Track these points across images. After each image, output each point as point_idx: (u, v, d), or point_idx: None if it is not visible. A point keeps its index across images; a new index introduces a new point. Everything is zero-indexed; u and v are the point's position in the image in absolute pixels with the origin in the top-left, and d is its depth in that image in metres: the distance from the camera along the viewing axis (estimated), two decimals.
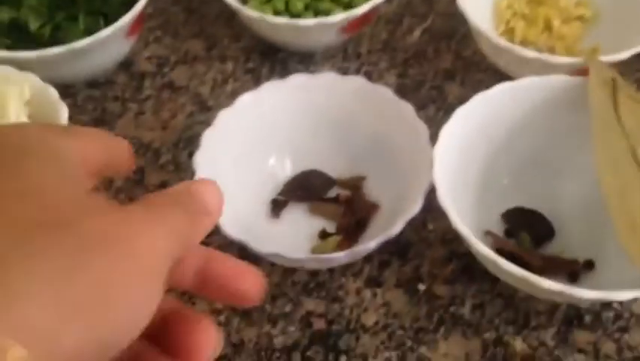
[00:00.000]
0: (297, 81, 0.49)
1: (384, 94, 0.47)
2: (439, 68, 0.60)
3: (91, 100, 0.58)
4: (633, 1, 0.55)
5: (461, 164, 0.46)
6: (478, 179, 0.48)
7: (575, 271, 0.45)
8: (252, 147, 0.49)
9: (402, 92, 0.57)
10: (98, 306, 0.18)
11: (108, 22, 0.54)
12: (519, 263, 0.45)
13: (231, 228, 0.41)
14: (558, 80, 0.47)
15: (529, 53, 0.50)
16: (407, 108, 0.46)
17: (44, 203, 0.20)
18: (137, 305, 0.20)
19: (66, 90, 0.57)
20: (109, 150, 0.24)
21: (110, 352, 0.19)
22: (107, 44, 0.54)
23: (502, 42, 0.51)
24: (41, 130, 0.22)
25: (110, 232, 0.19)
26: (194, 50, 0.63)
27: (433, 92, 0.58)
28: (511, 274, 0.39)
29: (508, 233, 0.48)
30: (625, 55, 0.49)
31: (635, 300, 0.44)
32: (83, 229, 0.19)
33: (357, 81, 0.49)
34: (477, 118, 0.46)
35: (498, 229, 0.48)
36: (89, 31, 0.53)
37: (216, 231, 0.42)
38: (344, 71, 0.60)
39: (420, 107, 0.56)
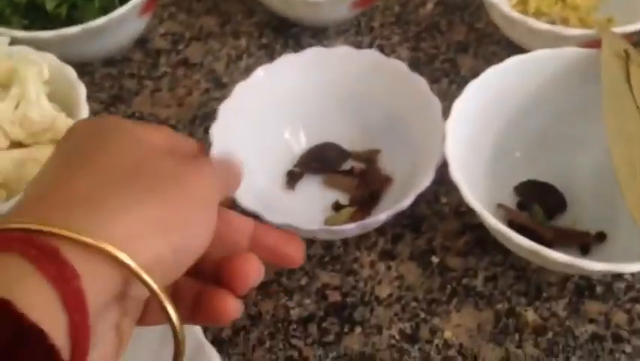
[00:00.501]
0: (312, 55, 0.49)
1: (398, 67, 0.48)
2: (452, 40, 0.60)
3: (108, 78, 0.59)
4: None
5: (474, 137, 0.46)
6: (490, 152, 0.49)
7: (586, 243, 0.46)
8: (267, 120, 0.50)
9: (415, 65, 0.58)
10: (171, 223, 0.25)
11: (123, 0, 0.55)
12: (531, 236, 0.45)
13: (246, 199, 0.42)
14: (570, 53, 0.47)
15: (541, 25, 0.50)
16: (420, 82, 0.47)
17: (123, 154, 0.26)
18: (199, 224, 0.26)
19: (83, 68, 0.58)
20: (171, 138, 0.30)
21: (182, 262, 0.26)
22: (122, 23, 0.54)
23: (514, 14, 0.51)
24: (119, 118, 0.30)
25: (176, 171, 0.26)
26: (208, 26, 0.63)
27: (446, 65, 0.58)
28: (522, 246, 0.39)
29: (521, 206, 0.48)
30: (639, 26, 0.49)
31: None
32: (156, 168, 0.26)
33: (372, 55, 0.49)
34: (489, 91, 0.47)
35: (511, 201, 0.48)
36: (105, 10, 0.54)
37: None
38: (357, 45, 0.60)
39: (433, 81, 0.56)
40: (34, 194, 0.26)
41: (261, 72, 0.48)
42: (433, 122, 0.44)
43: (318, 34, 0.61)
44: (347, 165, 0.50)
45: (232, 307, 0.28)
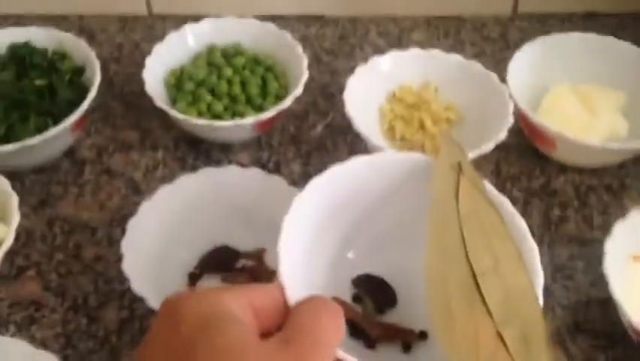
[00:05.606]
0: (207, 174, 0.61)
1: (278, 182, 0.60)
2: (337, 158, 0.71)
3: (37, 184, 0.68)
4: (487, 110, 0.69)
5: (314, 232, 0.47)
6: (333, 246, 0.51)
7: (409, 341, 0.48)
8: (171, 230, 0.60)
9: (305, 177, 0.69)
10: None
11: (56, 120, 0.64)
12: (359, 332, 0.48)
13: (152, 298, 0.52)
14: (413, 157, 0.48)
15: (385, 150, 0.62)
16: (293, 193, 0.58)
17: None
18: None
19: (14, 175, 0.66)
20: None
21: None
22: (55, 140, 0.64)
23: (375, 140, 0.63)
24: (217, 297, 0.31)
25: None
26: (130, 139, 0.73)
27: None
28: None
29: (356, 298, 0.52)
30: (471, 155, 0.62)
31: None
32: None
33: (255, 172, 0.62)
34: (332, 189, 0.48)
35: (349, 294, 0.51)
36: (39, 130, 0.63)
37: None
38: (258, 159, 0.71)
39: None
40: None
41: (163, 191, 0.60)
42: None
43: (225, 149, 0.72)
44: (240, 263, 0.61)
45: None
